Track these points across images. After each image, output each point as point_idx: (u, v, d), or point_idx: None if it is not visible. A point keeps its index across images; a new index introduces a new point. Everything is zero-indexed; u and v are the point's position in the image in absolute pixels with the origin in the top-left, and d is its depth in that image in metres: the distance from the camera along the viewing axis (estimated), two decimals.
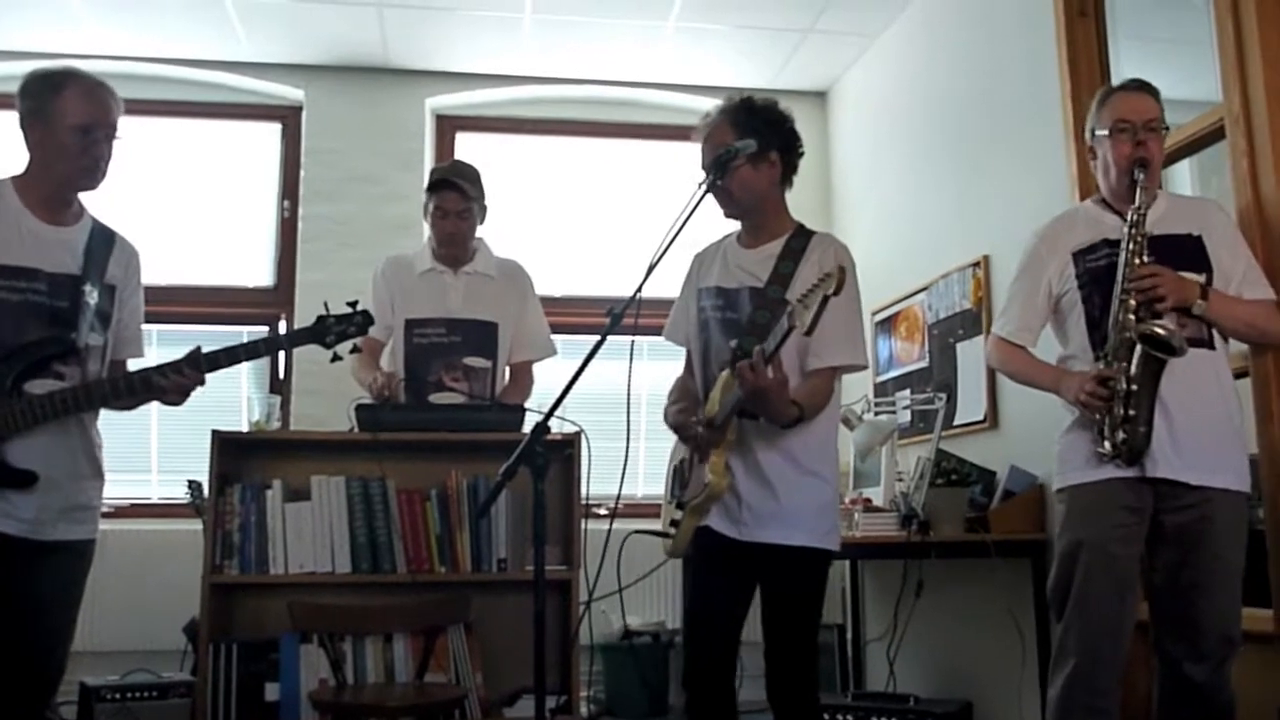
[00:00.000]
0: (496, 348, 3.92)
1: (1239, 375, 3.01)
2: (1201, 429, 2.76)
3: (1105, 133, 2.93)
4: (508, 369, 4.01)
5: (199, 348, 2.85)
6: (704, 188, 2.79)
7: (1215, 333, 2.84)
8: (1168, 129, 2.95)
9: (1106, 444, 2.79)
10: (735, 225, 3.08)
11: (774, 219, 3.01)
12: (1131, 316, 2.77)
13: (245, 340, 2.95)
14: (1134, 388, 2.74)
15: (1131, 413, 2.74)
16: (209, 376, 2.86)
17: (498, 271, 4.01)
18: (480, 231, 3.99)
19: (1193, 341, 2.75)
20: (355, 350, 3.10)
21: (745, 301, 2.93)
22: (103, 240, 2.88)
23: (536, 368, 4.11)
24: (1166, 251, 2.83)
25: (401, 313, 3.90)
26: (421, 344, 3.88)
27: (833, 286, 2.44)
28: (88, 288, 2.79)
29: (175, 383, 2.79)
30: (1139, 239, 2.81)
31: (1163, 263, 2.81)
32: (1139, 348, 2.73)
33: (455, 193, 3.82)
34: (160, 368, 2.80)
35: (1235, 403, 2.83)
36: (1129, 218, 2.83)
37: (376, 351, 3.91)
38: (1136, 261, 2.80)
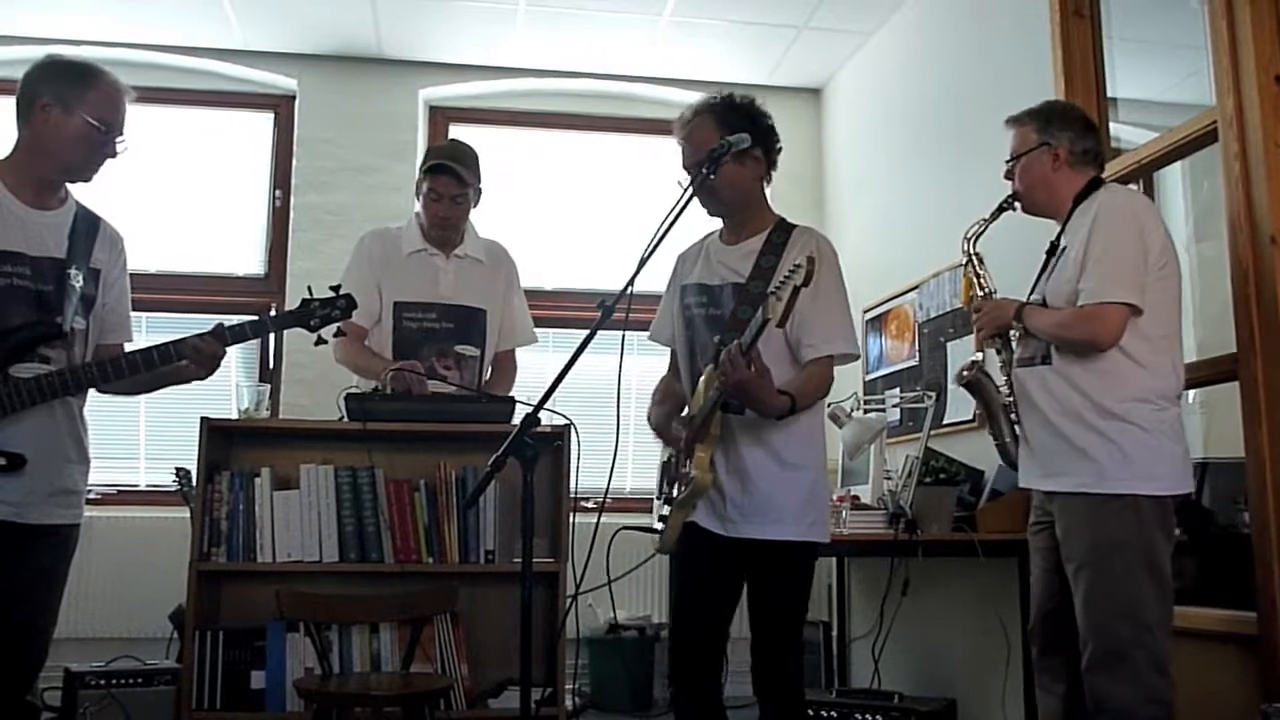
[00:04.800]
0: (485, 335, 3.91)
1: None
2: (1041, 439, 2.95)
3: None
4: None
5: (221, 324, 2.88)
6: (693, 185, 2.78)
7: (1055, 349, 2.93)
8: (1048, 145, 3.03)
9: None
10: (717, 222, 3.08)
11: (756, 215, 3.01)
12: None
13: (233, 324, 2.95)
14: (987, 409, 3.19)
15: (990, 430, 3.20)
16: None
17: (485, 255, 3.98)
18: (471, 215, 3.95)
19: (1030, 360, 2.99)
20: (339, 334, 3.10)
21: (728, 297, 2.93)
22: (87, 225, 2.87)
23: (523, 357, 4.10)
24: (1050, 268, 3.05)
25: (390, 295, 3.85)
26: (411, 328, 3.83)
27: (801, 278, 2.44)
28: (73, 272, 2.78)
29: (194, 347, 2.81)
30: (971, 273, 3.24)
31: (1044, 277, 3.05)
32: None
33: (451, 178, 3.77)
34: (177, 341, 2.82)
35: (1074, 410, 2.85)
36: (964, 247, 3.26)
37: (363, 338, 3.83)
38: (976, 292, 3.22)
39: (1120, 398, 2.80)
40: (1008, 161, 3.12)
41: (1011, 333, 3.08)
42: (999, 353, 3.14)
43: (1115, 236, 2.82)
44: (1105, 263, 2.80)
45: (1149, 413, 2.79)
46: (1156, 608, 2.73)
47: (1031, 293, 3.06)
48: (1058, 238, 3.03)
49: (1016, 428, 3.08)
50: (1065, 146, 3.02)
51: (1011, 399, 3.10)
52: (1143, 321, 2.81)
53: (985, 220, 3.23)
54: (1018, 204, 3.14)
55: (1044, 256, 3.07)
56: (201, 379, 2.90)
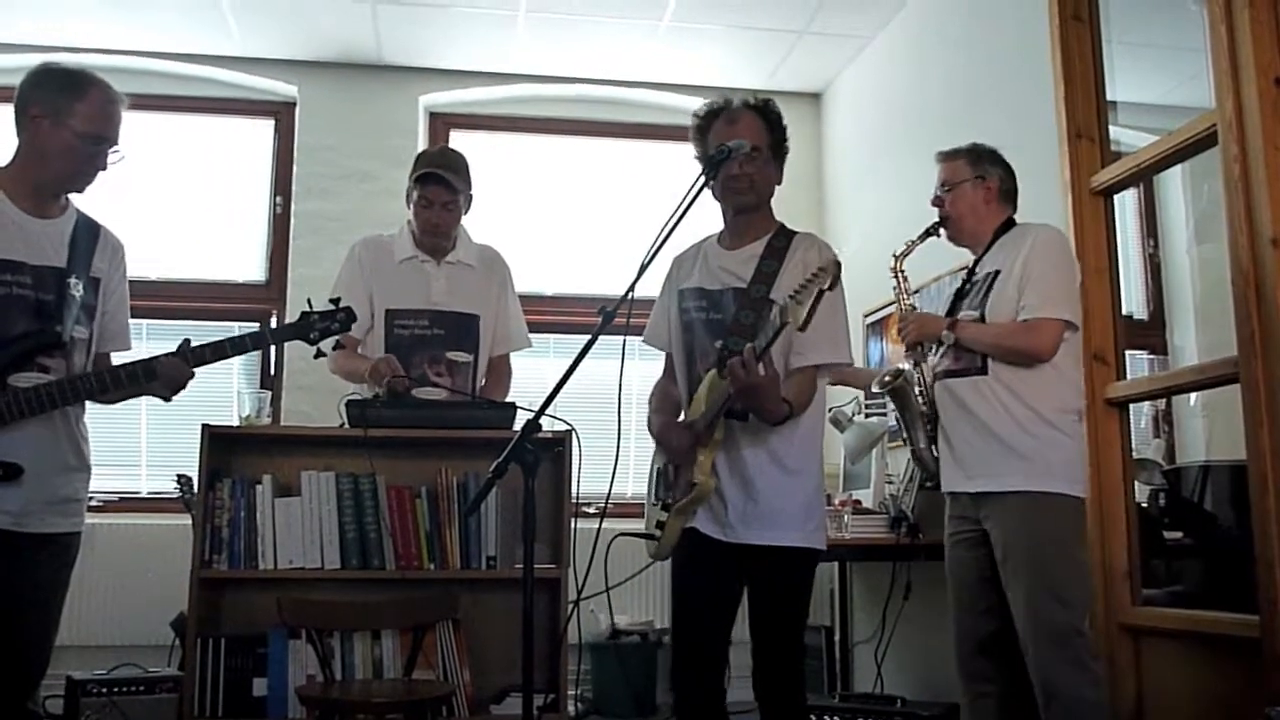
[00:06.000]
0: (478, 341, 3.89)
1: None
2: (975, 444, 3.14)
3: None
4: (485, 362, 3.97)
5: (187, 340, 2.86)
6: (702, 186, 2.76)
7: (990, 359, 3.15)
8: (982, 178, 3.36)
9: None
10: (716, 227, 3.08)
11: (763, 219, 3.02)
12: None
13: (234, 335, 2.95)
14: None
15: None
16: (199, 371, 2.87)
17: (478, 260, 3.97)
18: (464, 221, 3.94)
19: (964, 371, 3.19)
20: (339, 346, 3.10)
21: (729, 302, 2.92)
22: (87, 233, 2.87)
23: (524, 363, 4.09)
24: (960, 291, 3.33)
25: (381, 302, 3.84)
26: (403, 335, 3.82)
27: (828, 281, 2.46)
28: (73, 280, 2.78)
29: (164, 373, 2.79)
30: (898, 288, 3.51)
31: (967, 299, 3.29)
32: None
33: (442, 185, 3.77)
34: (146, 361, 2.80)
35: (1011, 417, 3.09)
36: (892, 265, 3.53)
37: (355, 348, 3.82)
38: (902, 306, 3.48)
39: (1055, 408, 3.08)
40: (939, 190, 3.40)
41: (930, 346, 3.33)
42: (916, 365, 3.37)
43: (1054, 261, 3.15)
44: (1047, 283, 3.09)
45: (1071, 423, 3.12)
46: (1085, 599, 3.03)
47: (951, 312, 3.30)
48: (974, 265, 3.33)
49: (939, 435, 3.28)
50: (996, 183, 3.36)
51: (927, 408, 3.33)
52: (1074, 340, 3.12)
53: (913, 241, 3.50)
54: (942, 230, 3.42)
55: (959, 283, 3.36)
56: (166, 399, 2.90)
